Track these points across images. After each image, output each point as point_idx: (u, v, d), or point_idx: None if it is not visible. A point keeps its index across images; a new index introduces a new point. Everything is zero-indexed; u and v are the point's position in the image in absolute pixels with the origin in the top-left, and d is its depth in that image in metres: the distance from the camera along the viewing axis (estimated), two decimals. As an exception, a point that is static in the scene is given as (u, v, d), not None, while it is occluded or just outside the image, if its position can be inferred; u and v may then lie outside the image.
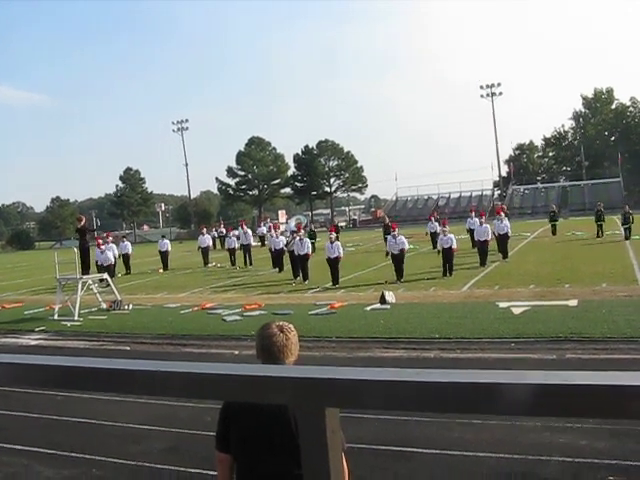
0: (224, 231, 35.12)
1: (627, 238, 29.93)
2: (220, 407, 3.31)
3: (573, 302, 14.58)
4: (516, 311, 14.00)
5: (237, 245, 31.77)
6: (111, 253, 26.83)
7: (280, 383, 0.95)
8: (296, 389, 0.94)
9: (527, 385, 0.84)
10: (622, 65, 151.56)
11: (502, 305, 14.88)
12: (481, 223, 24.49)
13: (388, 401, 0.94)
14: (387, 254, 21.62)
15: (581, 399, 0.83)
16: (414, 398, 0.91)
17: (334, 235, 22.40)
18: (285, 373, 0.95)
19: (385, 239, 27.97)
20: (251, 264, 30.40)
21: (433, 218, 32.39)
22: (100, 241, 27.28)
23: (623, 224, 30.97)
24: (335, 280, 21.02)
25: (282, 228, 38.31)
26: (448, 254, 21.36)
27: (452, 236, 21.69)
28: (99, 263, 25.70)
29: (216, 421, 3.32)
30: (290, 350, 3.21)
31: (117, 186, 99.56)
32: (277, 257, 26.90)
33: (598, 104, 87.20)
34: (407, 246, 21.66)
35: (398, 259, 21.02)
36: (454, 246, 21.46)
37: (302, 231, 24.91)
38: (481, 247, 23.73)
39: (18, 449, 7.73)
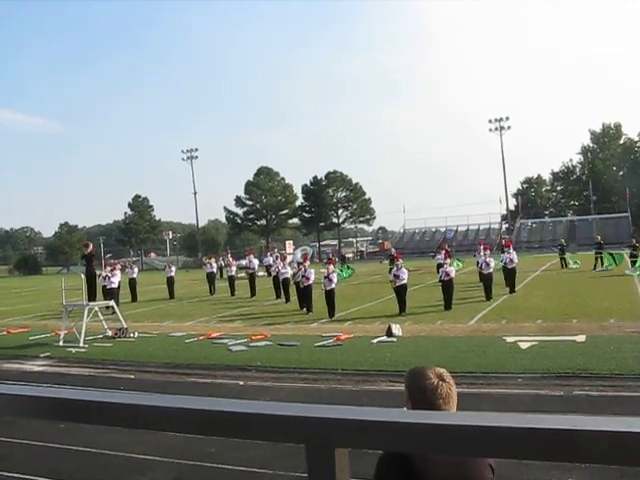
0: (231, 259, 35.37)
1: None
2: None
3: (581, 338, 14.47)
4: (523, 346, 13.91)
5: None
6: (116, 278, 27.14)
7: (291, 423, 0.95)
8: (307, 429, 0.94)
9: (537, 430, 0.84)
10: (630, 100, 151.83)
11: (509, 340, 14.79)
12: (485, 255, 24.53)
13: (398, 442, 0.94)
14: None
15: (591, 446, 0.82)
16: (422, 439, 0.91)
17: (331, 267, 22.48)
18: (297, 412, 0.95)
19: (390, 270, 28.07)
20: (254, 294, 30.38)
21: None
22: (108, 268, 27.72)
23: (631, 257, 31.00)
24: (331, 313, 21.09)
25: (289, 259, 38.48)
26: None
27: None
28: (107, 287, 26.13)
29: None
30: (454, 399, 2.89)
31: (125, 213, 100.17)
32: (284, 287, 26.96)
33: (606, 139, 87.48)
34: (406, 277, 21.55)
35: (399, 292, 21.07)
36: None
37: (307, 262, 24.86)
38: (486, 281, 23.76)
39: (19, 477, 7.66)
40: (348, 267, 39.75)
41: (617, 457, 0.82)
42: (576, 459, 0.86)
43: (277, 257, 33.00)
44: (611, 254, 33.00)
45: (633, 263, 30.79)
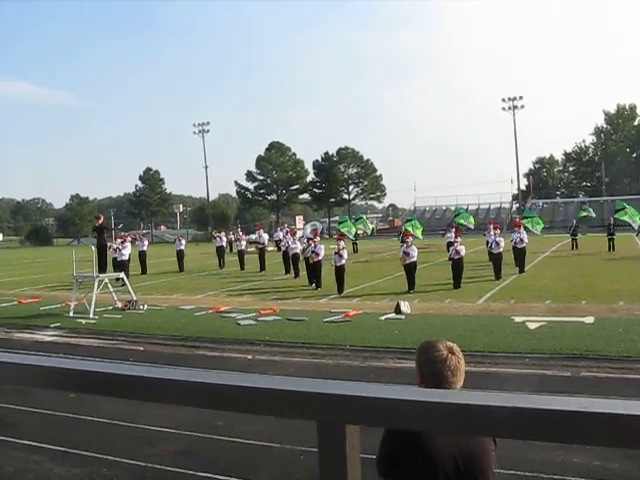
0: (241, 233, 35.40)
1: None
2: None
3: (589, 319, 14.46)
4: (531, 326, 13.91)
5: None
6: (126, 250, 27.39)
7: (303, 398, 0.96)
8: (319, 405, 0.95)
9: (544, 411, 0.84)
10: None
11: (517, 319, 14.80)
12: (496, 235, 24.41)
13: (409, 421, 0.95)
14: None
15: (599, 428, 0.83)
16: (435, 418, 0.92)
17: (341, 244, 22.36)
18: (309, 388, 0.96)
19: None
20: (264, 269, 30.47)
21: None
22: (119, 240, 27.96)
23: None
24: (340, 289, 21.13)
25: (299, 234, 38.54)
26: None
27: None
28: (118, 259, 26.43)
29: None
30: (462, 373, 2.98)
31: (136, 186, 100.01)
32: (294, 262, 27.04)
33: (620, 120, 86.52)
34: (416, 254, 21.56)
35: (408, 269, 21.09)
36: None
37: (317, 238, 24.89)
38: (495, 260, 23.76)
39: (30, 445, 7.78)
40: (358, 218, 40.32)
41: (628, 439, 0.83)
42: (584, 441, 0.87)
43: (287, 232, 33.05)
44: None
45: None
